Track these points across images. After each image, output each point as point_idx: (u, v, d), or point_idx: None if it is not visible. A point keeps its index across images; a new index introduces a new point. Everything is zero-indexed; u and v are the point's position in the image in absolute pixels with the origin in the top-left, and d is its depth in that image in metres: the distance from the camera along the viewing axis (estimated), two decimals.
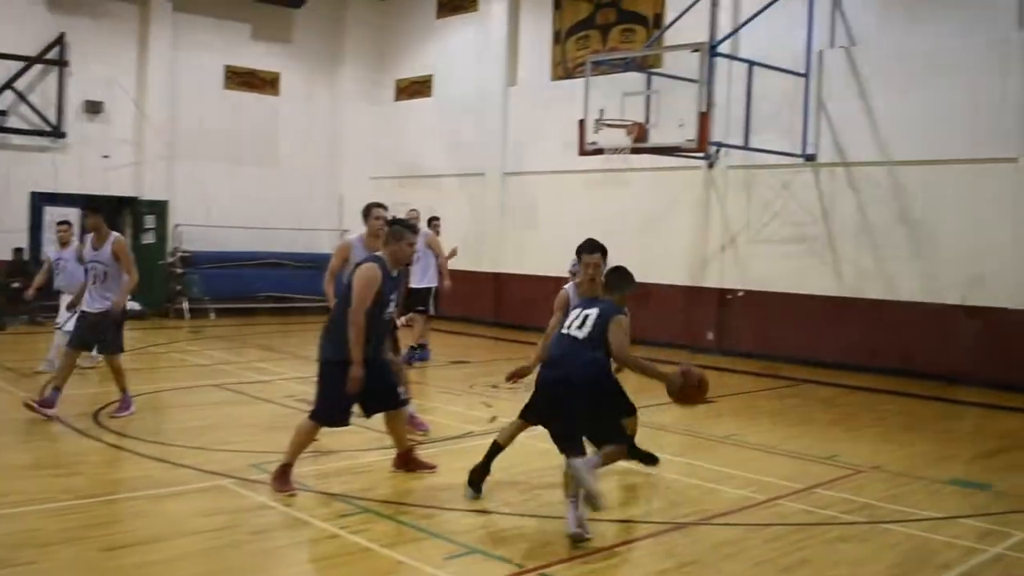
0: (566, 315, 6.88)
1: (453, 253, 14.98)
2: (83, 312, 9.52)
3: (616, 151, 13.97)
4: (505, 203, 20.07)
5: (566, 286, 8.01)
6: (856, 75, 14.76)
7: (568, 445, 6.39)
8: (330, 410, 7.10)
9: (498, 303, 19.84)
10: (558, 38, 19.49)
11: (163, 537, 5.89)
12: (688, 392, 6.39)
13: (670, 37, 16.48)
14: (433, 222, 14.73)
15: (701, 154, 14.54)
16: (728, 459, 8.49)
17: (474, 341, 17.41)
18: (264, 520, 6.28)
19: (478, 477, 7.04)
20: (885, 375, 13.72)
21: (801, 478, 7.80)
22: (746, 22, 14.78)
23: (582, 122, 14.49)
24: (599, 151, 14.21)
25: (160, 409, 10.05)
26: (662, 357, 14.42)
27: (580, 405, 6.28)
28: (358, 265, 7.10)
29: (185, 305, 20.05)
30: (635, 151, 14.15)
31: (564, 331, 6.58)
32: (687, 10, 16.08)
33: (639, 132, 13.99)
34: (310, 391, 11.10)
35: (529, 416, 6.88)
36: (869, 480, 7.83)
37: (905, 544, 6.13)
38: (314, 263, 22.11)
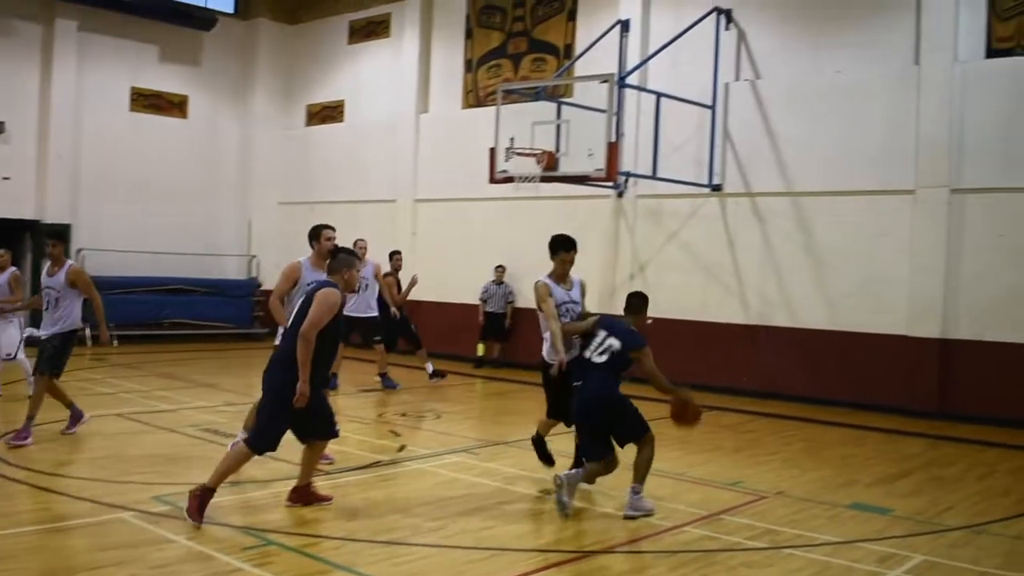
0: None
1: (413, 282, 14.80)
2: (39, 339, 9.84)
3: (526, 179, 14.03)
4: (417, 230, 20.03)
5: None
6: (761, 107, 15.13)
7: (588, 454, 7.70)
8: (269, 436, 7.05)
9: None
10: (470, 67, 19.58)
11: (58, 573, 5.71)
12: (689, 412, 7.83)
13: (580, 68, 16.72)
14: (394, 256, 15.18)
15: (610, 183, 14.69)
16: (645, 487, 8.54)
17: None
18: (165, 554, 6.11)
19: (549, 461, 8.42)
20: (790, 401, 14.01)
21: (707, 505, 7.89)
22: (653, 55, 15.05)
23: (493, 150, 14.54)
24: (509, 179, 14.25)
25: (59, 439, 9.75)
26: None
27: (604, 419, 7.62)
28: (320, 287, 7.06)
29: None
30: (545, 180, 14.22)
31: (587, 356, 7.71)
32: (596, 42, 16.42)
33: (549, 161, 14.07)
34: (215, 420, 11.03)
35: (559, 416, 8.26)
36: (772, 506, 7.96)
37: (807, 569, 6.23)
38: (221, 289, 21.83)
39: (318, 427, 7.26)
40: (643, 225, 16.43)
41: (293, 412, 6.88)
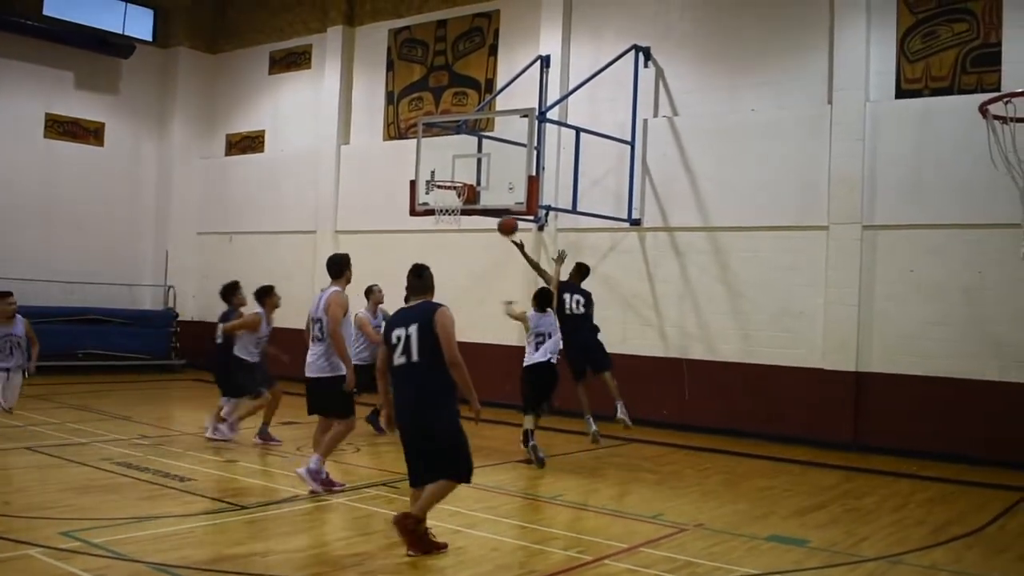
0: None
1: None
2: None
3: (447, 212, 14.01)
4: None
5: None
6: (679, 143, 15.36)
7: None
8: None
9: None
10: (391, 99, 19.57)
11: None
12: None
13: (501, 102, 16.83)
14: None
15: (531, 217, 14.75)
16: (555, 520, 8.56)
17: (301, 400, 16.99)
18: None
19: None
20: (708, 434, 14.14)
21: (627, 537, 7.90)
22: (573, 90, 15.22)
23: (413, 183, 14.51)
24: (430, 212, 14.22)
25: None
26: (500, 417, 14.59)
27: None
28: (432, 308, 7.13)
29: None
30: (465, 212, 14.22)
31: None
32: (517, 77, 16.52)
33: (470, 194, 14.08)
34: (128, 453, 10.76)
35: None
36: (692, 538, 7.99)
37: None
38: (138, 320, 21.38)
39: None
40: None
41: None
